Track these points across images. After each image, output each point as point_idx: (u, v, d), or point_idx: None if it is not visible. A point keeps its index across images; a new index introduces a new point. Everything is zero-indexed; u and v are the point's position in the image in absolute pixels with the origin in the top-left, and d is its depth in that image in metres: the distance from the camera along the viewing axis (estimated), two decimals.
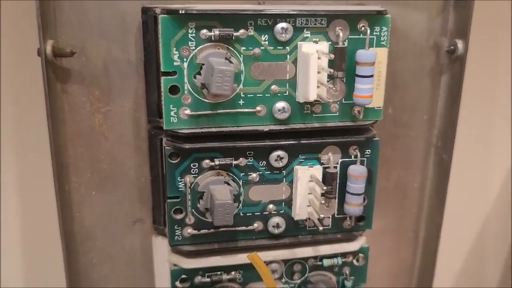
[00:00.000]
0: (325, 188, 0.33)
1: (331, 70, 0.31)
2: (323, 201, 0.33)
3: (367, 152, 0.36)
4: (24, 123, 0.40)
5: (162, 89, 0.32)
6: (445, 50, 0.39)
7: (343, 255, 0.38)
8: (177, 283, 0.36)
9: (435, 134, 0.41)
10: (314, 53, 0.31)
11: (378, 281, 0.44)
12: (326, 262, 0.37)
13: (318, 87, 0.32)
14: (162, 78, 0.31)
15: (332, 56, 0.31)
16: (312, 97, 0.32)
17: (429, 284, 0.44)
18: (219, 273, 0.36)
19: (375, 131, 0.36)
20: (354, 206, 0.35)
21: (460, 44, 0.38)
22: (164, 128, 0.32)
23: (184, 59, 0.31)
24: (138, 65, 0.35)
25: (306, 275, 0.38)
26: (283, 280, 0.38)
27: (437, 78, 0.40)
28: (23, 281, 0.44)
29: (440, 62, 0.40)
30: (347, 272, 0.38)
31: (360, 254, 0.38)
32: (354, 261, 0.38)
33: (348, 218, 0.37)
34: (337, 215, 0.37)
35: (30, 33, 0.34)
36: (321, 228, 0.35)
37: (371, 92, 0.33)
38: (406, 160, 0.42)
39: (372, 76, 0.32)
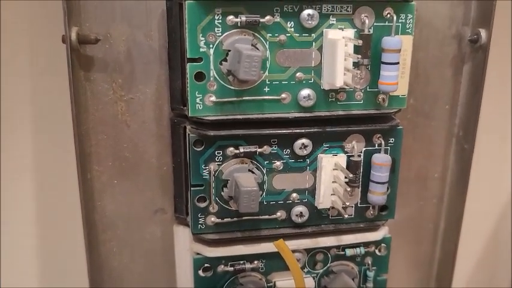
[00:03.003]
0: (351, 175, 0.33)
1: (359, 56, 0.31)
2: (349, 189, 0.33)
3: (390, 141, 0.35)
4: (47, 111, 0.40)
5: (188, 76, 0.31)
6: (468, 39, 0.39)
7: (366, 245, 0.38)
8: (200, 272, 0.36)
9: (457, 124, 0.41)
10: (341, 39, 0.31)
11: (397, 272, 0.44)
12: (348, 252, 0.37)
13: (344, 74, 0.32)
14: (188, 65, 0.31)
15: (360, 41, 0.31)
16: (339, 83, 0.31)
17: (449, 276, 0.44)
18: (242, 262, 0.36)
19: (398, 119, 0.36)
20: (378, 194, 0.35)
21: (483, 33, 0.38)
22: (189, 115, 0.32)
23: (211, 46, 0.31)
24: (162, 52, 0.35)
25: (329, 264, 0.38)
26: (305, 270, 0.37)
27: (459, 68, 0.40)
28: (44, 268, 0.44)
29: (463, 51, 0.39)
30: (369, 262, 0.38)
31: (383, 244, 0.38)
32: (376, 251, 0.38)
33: (371, 208, 0.37)
34: (360, 204, 0.36)
35: (54, 20, 0.34)
36: (346, 216, 0.35)
37: (396, 79, 0.32)
38: (427, 150, 0.41)
39: (397, 63, 0.32)
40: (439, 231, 0.44)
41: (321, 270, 0.38)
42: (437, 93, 0.40)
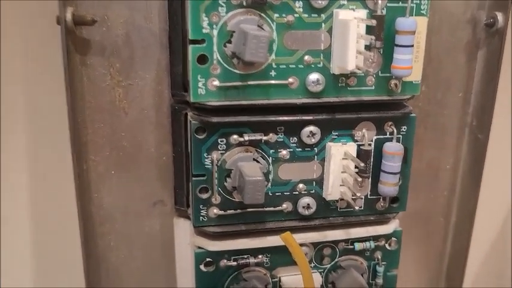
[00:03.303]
0: (362, 164, 0.31)
1: (372, 37, 0.29)
2: (359, 179, 0.31)
3: (403, 129, 0.34)
4: (40, 97, 0.38)
5: (190, 59, 0.30)
6: (484, 23, 0.37)
7: (375, 238, 0.36)
8: (202, 267, 0.34)
9: (470, 113, 0.39)
10: (353, 19, 0.29)
11: (406, 267, 0.42)
12: (358, 246, 0.35)
13: (356, 57, 0.30)
14: (190, 47, 0.29)
15: (374, 22, 0.29)
16: (351, 67, 0.30)
17: (460, 273, 0.42)
18: (245, 256, 0.34)
19: (410, 106, 0.34)
20: (390, 185, 0.33)
21: (500, 17, 0.36)
22: (191, 101, 0.30)
23: (214, 26, 0.29)
24: (162, 35, 0.33)
25: (337, 259, 0.36)
26: (312, 265, 0.36)
27: (473, 53, 0.38)
28: (39, 264, 0.42)
29: (477, 36, 0.38)
30: (379, 257, 0.37)
31: (393, 238, 0.36)
32: (387, 245, 0.36)
33: (381, 199, 0.35)
34: (370, 195, 0.35)
35: (48, 0, 0.32)
36: (357, 208, 0.33)
37: (411, 63, 0.31)
38: (439, 140, 0.40)
39: (412, 46, 0.30)
40: (450, 225, 0.42)
41: (329, 265, 0.36)
42: (450, 80, 0.38)
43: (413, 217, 0.41)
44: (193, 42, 0.29)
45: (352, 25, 0.29)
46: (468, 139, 0.40)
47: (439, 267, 0.44)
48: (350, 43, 0.29)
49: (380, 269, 0.37)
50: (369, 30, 0.30)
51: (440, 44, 0.37)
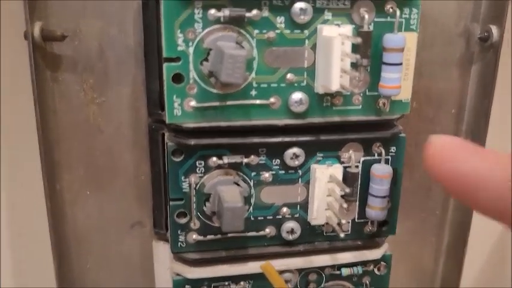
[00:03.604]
0: (347, 190, 0.30)
1: (358, 56, 0.27)
2: (345, 205, 0.30)
3: (392, 150, 0.32)
4: (9, 115, 0.36)
5: (165, 78, 0.28)
6: (478, 37, 0.35)
7: (364, 263, 0.34)
8: None
9: (463, 130, 0.38)
10: (337, 36, 0.27)
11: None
12: (345, 271, 0.34)
13: (340, 76, 0.28)
14: (165, 65, 0.28)
15: (359, 39, 0.27)
16: (335, 87, 0.28)
17: None
18: (226, 283, 0.33)
19: (400, 126, 0.32)
20: (377, 210, 0.32)
21: (494, 31, 0.34)
22: (167, 122, 0.29)
23: (190, 43, 0.27)
24: (137, 50, 0.32)
25: (323, 285, 0.34)
26: None
27: (467, 68, 0.36)
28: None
29: (471, 50, 0.36)
30: (367, 282, 0.35)
31: (382, 263, 0.35)
32: (375, 270, 0.35)
33: (369, 223, 0.33)
34: (357, 219, 0.33)
35: (16, 14, 0.30)
36: (342, 234, 0.31)
37: (399, 82, 0.29)
38: None
39: (400, 64, 0.29)
40: (442, 245, 0.41)
41: None
42: (442, 96, 0.37)
43: (404, 237, 0.39)
44: (168, 60, 0.28)
45: (336, 42, 0.27)
46: None
47: (431, 286, 0.42)
48: (334, 61, 0.27)
49: None
50: (355, 47, 0.28)
51: (432, 58, 0.36)
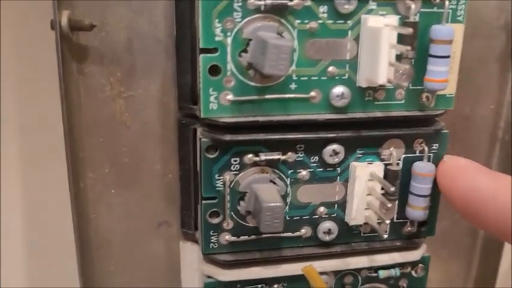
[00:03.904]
0: (392, 188, 0.28)
1: (408, 48, 0.26)
2: (389, 204, 0.28)
3: (434, 147, 0.31)
4: (34, 109, 0.34)
5: (201, 70, 0.26)
6: None
7: (401, 265, 0.33)
8: None
9: (502, 127, 0.36)
10: (385, 27, 0.26)
11: None
12: (382, 273, 0.32)
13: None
14: (201, 57, 0.26)
15: (410, 30, 0.25)
16: (382, 80, 0.26)
17: None
18: (260, 286, 0.31)
19: (442, 122, 0.31)
20: (419, 209, 0.30)
21: None
22: (202, 116, 0.27)
23: (228, 33, 0.26)
24: (168, 42, 0.30)
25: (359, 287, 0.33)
26: None
27: (507, 63, 0.35)
28: None
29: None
30: (404, 285, 0.33)
31: (420, 265, 0.33)
32: (413, 272, 0.33)
33: (408, 223, 0.32)
34: (396, 219, 0.32)
35: (42, 3, 0.29)
36: (385, 235, 0.30)
37: (447, 75, 0.28)
38: (467, 156, 0.36)
39: (448, 57, 0.27)
40: (476, 247, 0.39)
41: None
42: (481, 91, 0.35)
43: (437, 238, 0.38)
44: (205, 51, 0.26)
45: (384, 33, 0.26)
46: (499, 155, 0.37)
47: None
48: (382, 54, 0.26)
49: None
50: (400, 38, 0.27)
51: (471, 52, 0.34)
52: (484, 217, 0.25)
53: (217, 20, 0.26)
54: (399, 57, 0.27)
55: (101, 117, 0.31)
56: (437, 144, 0.31)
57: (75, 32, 0.29)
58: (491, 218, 0.25)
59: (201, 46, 0.26)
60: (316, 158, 0.29)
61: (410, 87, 0.29)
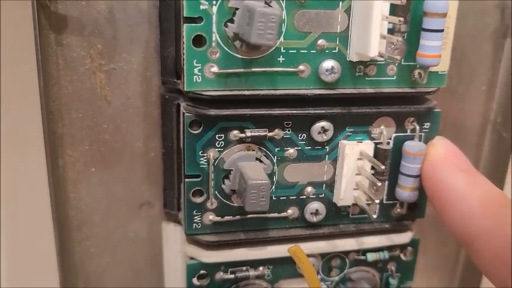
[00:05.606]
0: (383, 167, 0.27)
1: (401, 19, 0.25)
2: (378, 184, 0.27)
3: (425, 126, 0.30)
4: (8, 83, 0.33)
5: (185, 40, 0.25)
6: None
7: (390, 248, 0.32)
8: (194, 280, 0.30)
9: (494, 109, 0.35)
10: None
11: (417, 275, 0.39)
12: (370, 256, 0.32)
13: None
14: (185, 26, 0.25)
15: (404, 0, 0.24)
16: (373, 53, 0.25)
17: (476, 284, 0.38)
18: (244, 268, 0.30)
19: (434, 101, 0.30)
20: (409, 190, 0.29)
21: None
22: (185, 89, 0.26)
23: (214, 2, 0.25)
24: (151, 12, 0.29)
25: (346, 270, 0.32)
26: (319, 277, 0.32)
27: (500, 43, 0.34)
28: (10, 274, 0.38)
29: (505, 22, 0.34)
30: (392, 268, 0.33)
31: (409, 248, 0.32)
32: (402, 256, 0.33)
33: (398, 205, 0.31)
34: (385, 200, 0.31)
35: None
36: (374, 216, 0.29)
37: (440, 50, 0.27)
38: (459, 138, 0.36)
39: (442, 31, 0.26)
40: None
41: (337, 278, 0.32)
42: (473, 71, 0.34)
43: (426, 221, 0.37)
44: (189, 20, 0.25)
45: (376, 5, 0.25)
46: (491, 137, 0.36)
47: (453, 274, 0.40)
48: (373, 26, 0.25)
49: (393, 282, 0.33)
50: (393, 10, 0.26)
51: (463, 31, 0.33)
52: (451, 216, 0.25)
53: None
54: (391, 32, 0.27)
55: (81, 92, 0.30)
56: (429, 123, 0.30)
57: (53, 0, 0.27)
58: (457, 220, 0.25)
59: (184, 15, 0.25)
60: (304, 135, 0.28)
61: (402, 63, 0.28)
